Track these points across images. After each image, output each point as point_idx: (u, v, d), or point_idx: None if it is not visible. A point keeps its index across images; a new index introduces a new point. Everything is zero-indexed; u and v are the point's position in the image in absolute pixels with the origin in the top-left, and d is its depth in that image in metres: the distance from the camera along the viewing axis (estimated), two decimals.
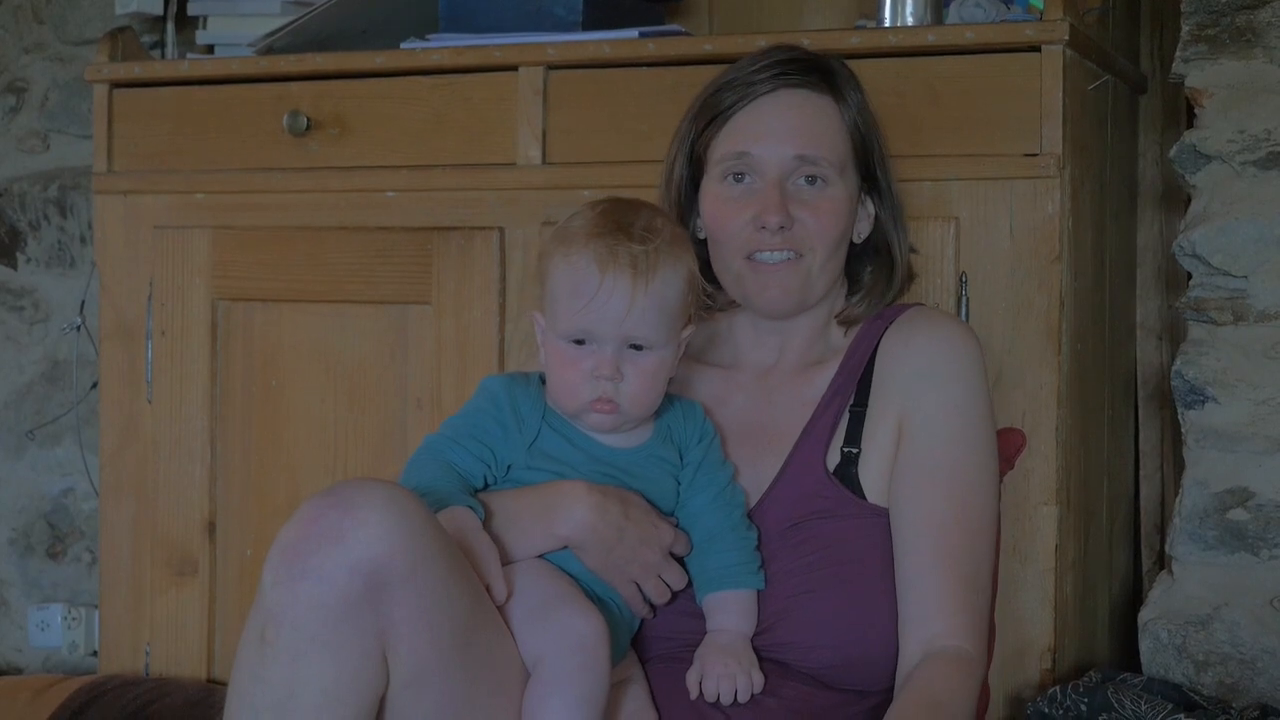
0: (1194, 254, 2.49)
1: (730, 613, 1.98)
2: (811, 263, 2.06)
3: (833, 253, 2.07)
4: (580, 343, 1.90)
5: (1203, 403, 2.49)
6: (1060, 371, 2.34)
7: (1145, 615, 2.52)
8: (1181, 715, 2.22)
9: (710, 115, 2.10)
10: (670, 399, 2.02)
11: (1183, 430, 2.52)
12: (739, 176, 2.07)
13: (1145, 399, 2.87)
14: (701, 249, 2.12)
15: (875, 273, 2.15)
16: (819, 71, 2.09)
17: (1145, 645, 2.51)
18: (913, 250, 2.18)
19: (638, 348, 1.90)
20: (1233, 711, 2.29)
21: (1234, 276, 2.47)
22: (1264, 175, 2.46)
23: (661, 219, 1.94)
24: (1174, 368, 2.51)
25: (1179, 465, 2.62)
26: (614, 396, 1.90)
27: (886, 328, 2.10)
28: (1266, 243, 2.45)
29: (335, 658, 1.68)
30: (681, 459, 2.01)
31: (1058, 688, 2.27)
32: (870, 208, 2.13)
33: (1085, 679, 2.31)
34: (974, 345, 2.08)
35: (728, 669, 1.92)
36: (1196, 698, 2.34)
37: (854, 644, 1.98)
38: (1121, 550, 2.79)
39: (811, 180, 2.05)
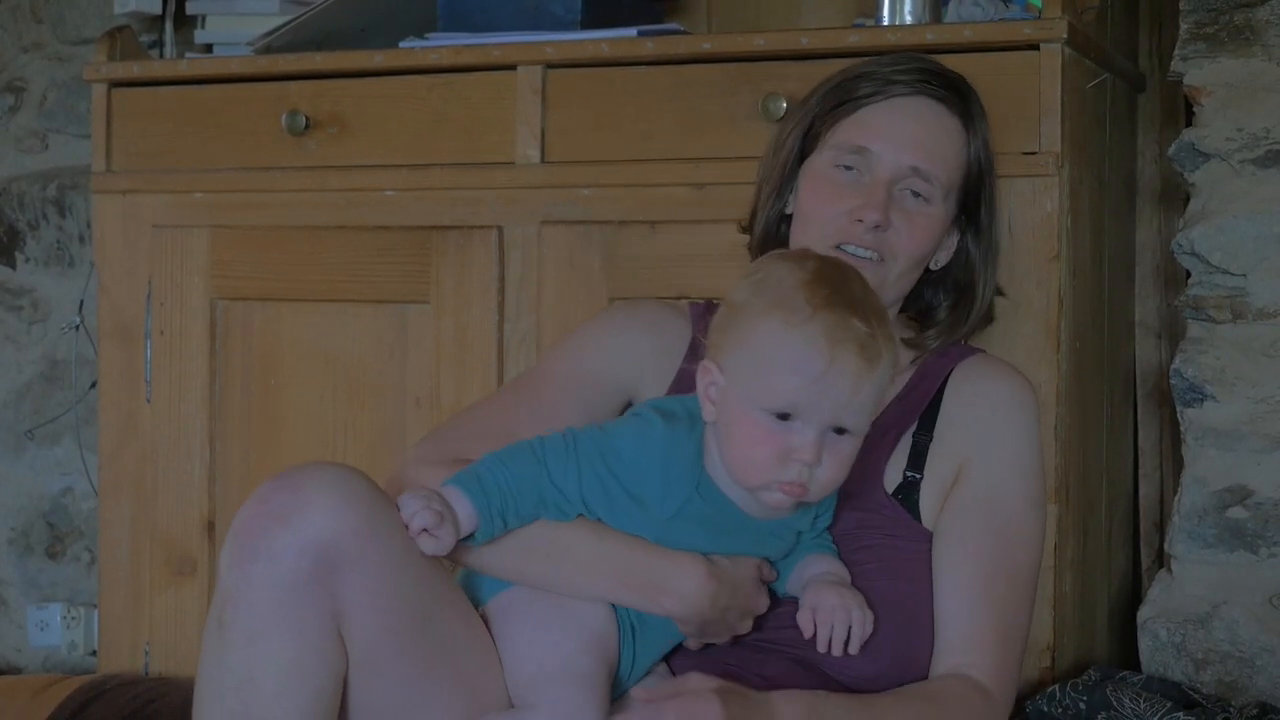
0: (1193, 252, 2.49)
1: (825, 562, 1.92)
2: (891, 269, 2.03)
3: (912, 267, 2.06)
4: (783, 418, 1.73)
5: (1202, 401, 2.49)
6: (1059, 370, 2.34)
7: (1144, 613, 2.53)
8: (1181, 714, 2.22)
9: (841, 98, 2.08)
10: None
11: (1182, 428, 2.52)
12: (849, 168, 2.05)
13: (1144, 397, 2.87)
14: (783, 226, 2.13)
15: (954, 308, 2.14)
16: (958, 92, 2.10)
17: (1144, 643, 2.51)
18: (1000, 293, 2.19)
19: (840, 431, 1.74)
20: (1232, 710, 2.29)
21: (1233, 274, 2.47)
22: (1263, 173, 2.46)
23: (873, 293, 1.81)
24: (1173, 366, 2.52)
25: (1178, 463, 2.62)
26: (807, 481, 1.75)
27: (952, 368, 2.09)
28: (1265, 240, 2.45)
29: (291, 637, 1.71)
30: (813, 524, 1.92)
31: (1057, 686, 2.27)
32: (954, 240, 2.12)
33: (1084, 677, 2.31)
34: (1034, 402, 2.08)
35: (843, 600, 1.85)
36: (1195, 696, 2.34)
37: (897, 666, 1.94)
38: (1120, 548, 2.79)
39: (916, 195, 2.04)
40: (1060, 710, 2.25)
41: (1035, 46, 2.34)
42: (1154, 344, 2.88)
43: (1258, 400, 2.47)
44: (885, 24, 2.47)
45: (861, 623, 1.85)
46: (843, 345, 1.70)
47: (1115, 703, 2.23)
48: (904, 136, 2.04)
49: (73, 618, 3.44)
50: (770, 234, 2.15)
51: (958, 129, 2.08)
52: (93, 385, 3.23)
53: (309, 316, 2.74)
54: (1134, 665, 2.53)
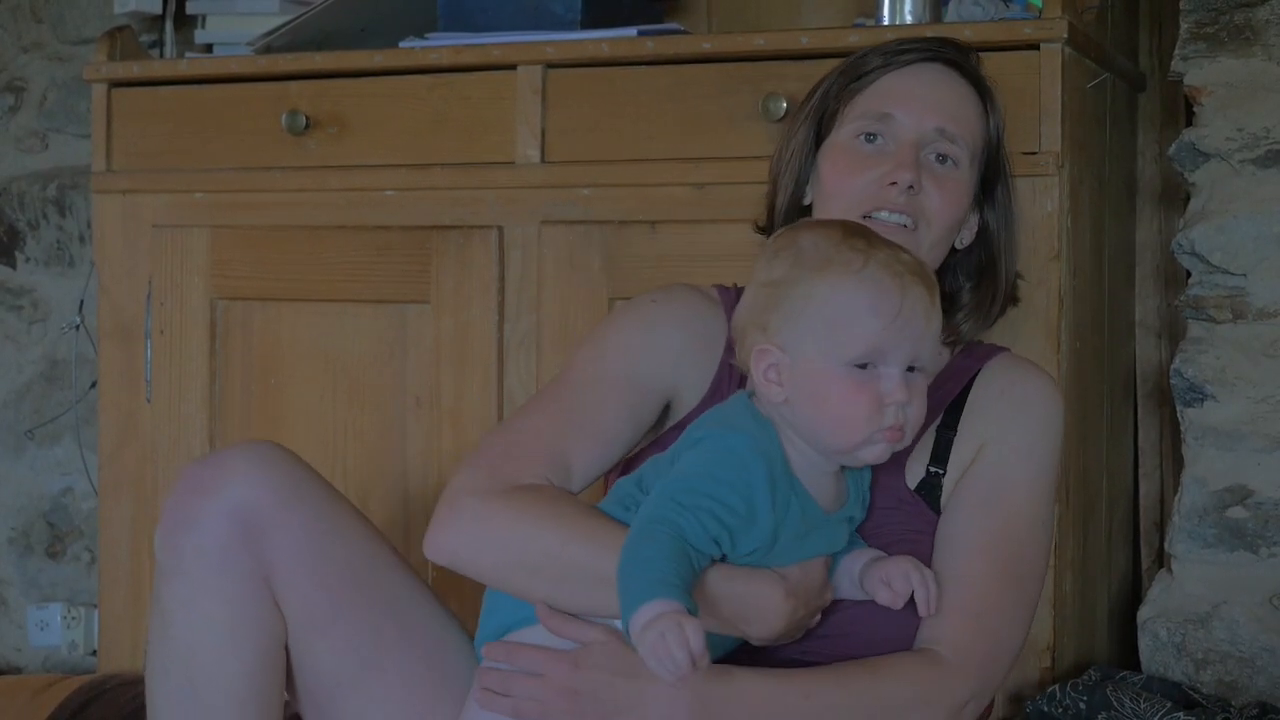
0: (1193, 252, 2.49)
1: (864, 554, 1.86)
2: (924, 237, 1.96)
3: (944, 236, 1.99)
4: (863, 368, 1.70)
5: (1202, 400, 2.49)
6: (1059, 369, 2.34)
7: (1144, 613, 2.53)
8: (1181, 714, 2.22)
9: (855, 74, 2.02)
10: None
11: (1182, 428, 2.52)
12: (871, 137, 1.98)
13: (1144, 397, 2.87)
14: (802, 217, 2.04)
15: (978, 291, 2.07)
16: (971, 66, 2.05)
17: (1144, 643, 2.51)
18: (1019, 277, 2.12)
19: (911, 369, 1.72)
20: (1232, 710, 2.29)
21: (1233, 274, 2.47)
22: (1263, 173, 2.46)
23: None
24: (1173, 365, 2.52)
25: (1178, 463, 2.62)
26: (904, 422, 1.72)
27: (980, 367, 2.02)
28: (1265, 240, 2.45)
29: (226, 602, 1.81)
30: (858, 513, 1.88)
31: (1057, 686, 2.27)
32: (975, 220, 2.06)
33: (1085, 677, 2.31)
34: (1061, 404, 2.02)
35: (908, 563, 1.81)
36: (1196, 696, 2.34)
37: None
38: (1120, 548, 2.79)
39: (942, 160, 1.97)
40: (1061, 710, 2.25)
41: (1035, 46, 2.34)
42: (1154, 344, 2.88)
43: (1258, 400, 2.47)
44: (885, 24, 2.47)
45: (933, 579, 1.82)
46: (907, 279, 1.70)
47: (1116, 703, 2.23)
48: (926, 100, 1.99)
49: (73, 617, 3.44)
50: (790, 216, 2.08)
51: (975, 96, 2.03)
52: (93, 385, 3.23)
53: (309, 316, 2.74)
54: (1134, 665, 2.53)
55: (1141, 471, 2.88)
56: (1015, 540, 1.90)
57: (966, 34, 2.36)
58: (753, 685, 1.74)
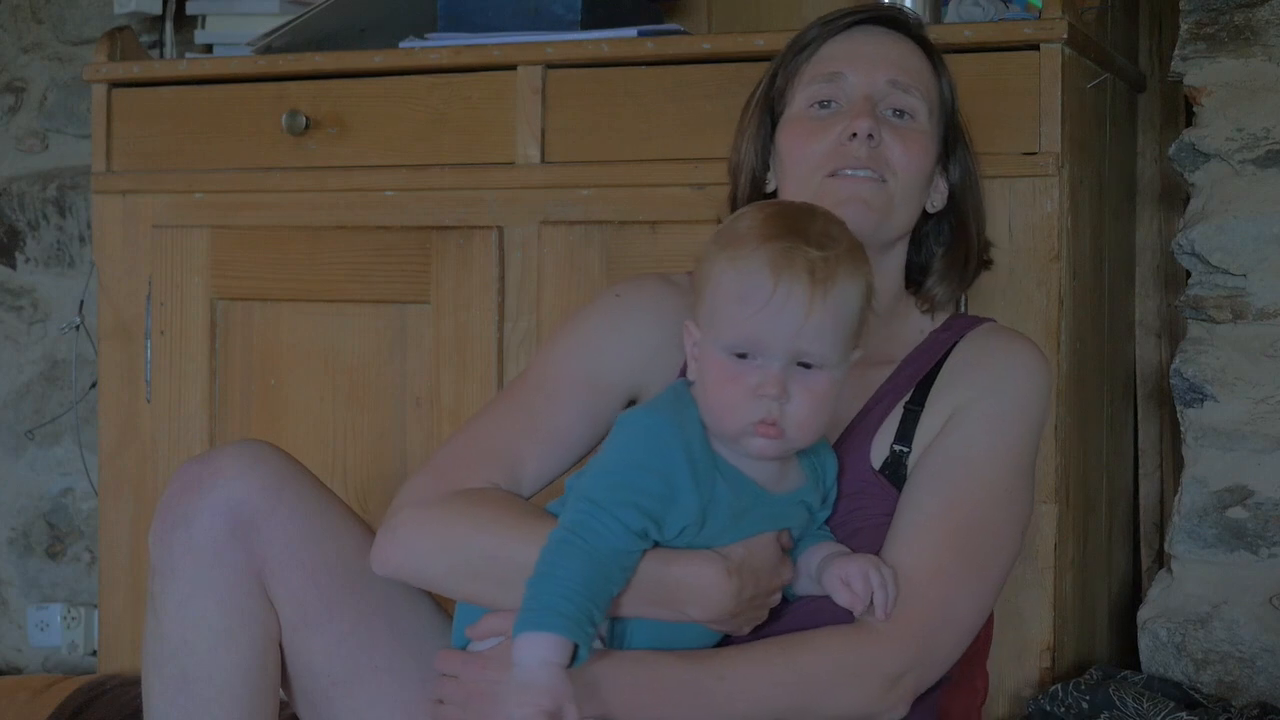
0: (1193, 252, 2.49)
1: (827, 547, 1.81)
2: (895, 189, 1.90)
3: (914, 190, 1.93)
4: (743, 356, 1.67)
5: (1202, 401, 2.49)
6: (1059, 370, 2.34)
7: (1144, 614, 2.53)
8: (1184, 714, 2.22)
9: (799, 47, 1.99)
10: None
11: (1182, 428, 2.52)
12: (825, 104, 1.93)
13: (1144, 397, 2.87)
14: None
15: (949, 254, 2.01)
16: (913, 27, 2.01)
17: (1144, 643, 2.51)
18: (990, 244, 2.07)
19: (806, 366, 1.67)
20: (1233, 710, 2.29)
21: (1233, 275, 2.47)
22: (1263, 173, 2.46)
23: (838, 226, 1.72)
24: (1173, 366, 2.52)
25: (1178, 463, 2.62)
26: (779, 419, 1.66)
27: (957, 340, 1.96)
28: (1265, 241, 2.45)
29: (218, 598, 1.82)
30: (823, 501, 1.83)
31: (1059, 685, 2.27)
32: (944, 185, 2.00)
33: (1087, 676, 2.31)
34: (1045, 374, 1.94)
35: (868, 563, 1.75)
36: (1196, 696, 2.34)
37: None
38: (1121, 548, 2.79)
39: (900, 114, 1.92)
40: (1063, 710, 2.25)
41: (1035, 47, 2.34)
42: (1154, 344, 2.88)
43: (1258, 400, 2.47)
44: None
45: (892, 578, 1.75)
46: (788, 270, 1.64)
47: (1118, 702, 2.23)
48: (873, 56, 1.94)
49: (73, 618, 3.44)
50: None
51: (921, 54, 1.98)
52: (93, 385, 3.23)
53: (309, 316, 2.74)
54: (1134, 665, 2.53)
55: (1141, 472, 2.88)
56: (974, 509, 1.83)
57: (966, 34, 2.37)
58: (664, 668, 1.71)
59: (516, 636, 1.61)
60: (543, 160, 2.59)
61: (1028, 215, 2.34)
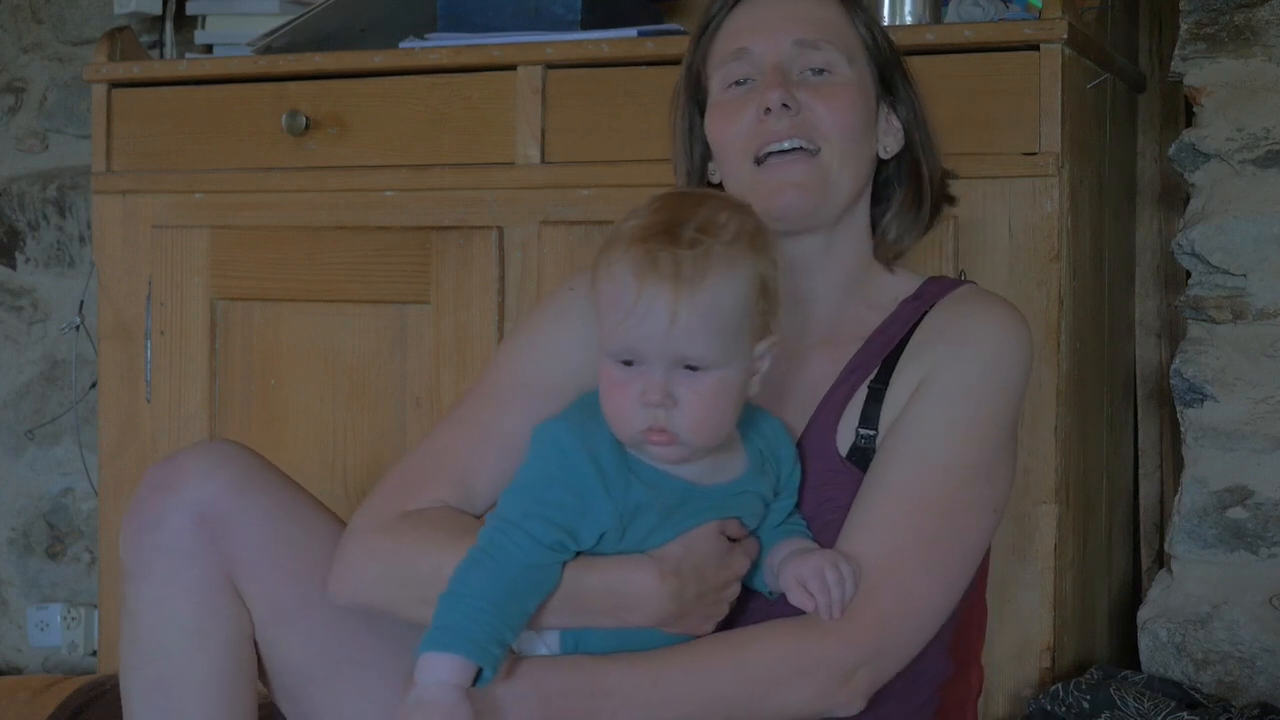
0: (1193, 252, 2.49)
1: (792, 543, 1.73)
2: (829, 157, 1.80)
3: (852, 148, 1.82)
4: (629, 363, 1.61)
5: (1202, 401, 2.49)
6: (1059, 370, 2.34)
7: (1144, 614, 2.53)
8: (1184, 714, 2.22)
9: (703, 26, 1.89)
10: (749, 411, 1.72)
11: (1182, 429, 2.52)
12: (741, 82, 1.84)
13: (1144, 397, 2.87)
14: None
15: (905, 192, 1.89)
16: None
17: (1144, 643, 2.51)
18: (950, 175, 1.94)
19: (693, 367, 1.60)
20: (1233, 710, 2.29)
21: (1233, 275, 2.47)
22: (1263, 173, 2.46)
23: (729, 213, 1.63)
24: (1173, 366, 2.52)
25: (1178, 463, 2.62)
26: (667, 425, 1.60)
27: (929, 309, 1.84)
28: (1265, 241, 2.45)
29: (191, 599, 1.81)
30: (776, 486, 1.74)
31: (1060, 685, 2.27)
32: (896, 123, 1.89)
33: (1087, 676, 2.32)
34: (1017, 339, 1.81)
35: (825, 561, 1.66)
36: (1197, 696, 2.34)
37: None
38: (1121, 549, 2.79)
39: (818, 72, 1.82)
40: (1064, 709, 2.25)
41: (1035, 47, 2.34)
42: (1154, 344, 2.88)
43: (1258, 400, 2.47)
44: (885, 24, 2.47)
45: (851, 576, 1.66)
46: (651, 274, 1.57)
47: (1119, 702, 2.23)
48: (774, 20, 1.84)
49: (73, 618, 3.44)
50: None
51: (830, 2, 1.87)
52: (93, 385, 3.23)
53: (309, 317, 2.74)
54: (1134, 665, 2.53)
55: (1141, 472, 2.88)
56: (934, 490, 1.72)
57: (966, 34, 2.37)
58: (600, 674, 1.67)
59: (419, 656, 1.58)
60: (543, 160, 2.59)
61: (1028, 215, 2.34)
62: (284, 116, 2.72)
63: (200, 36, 3.10)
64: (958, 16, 2.50)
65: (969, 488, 1.74)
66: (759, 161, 1.81)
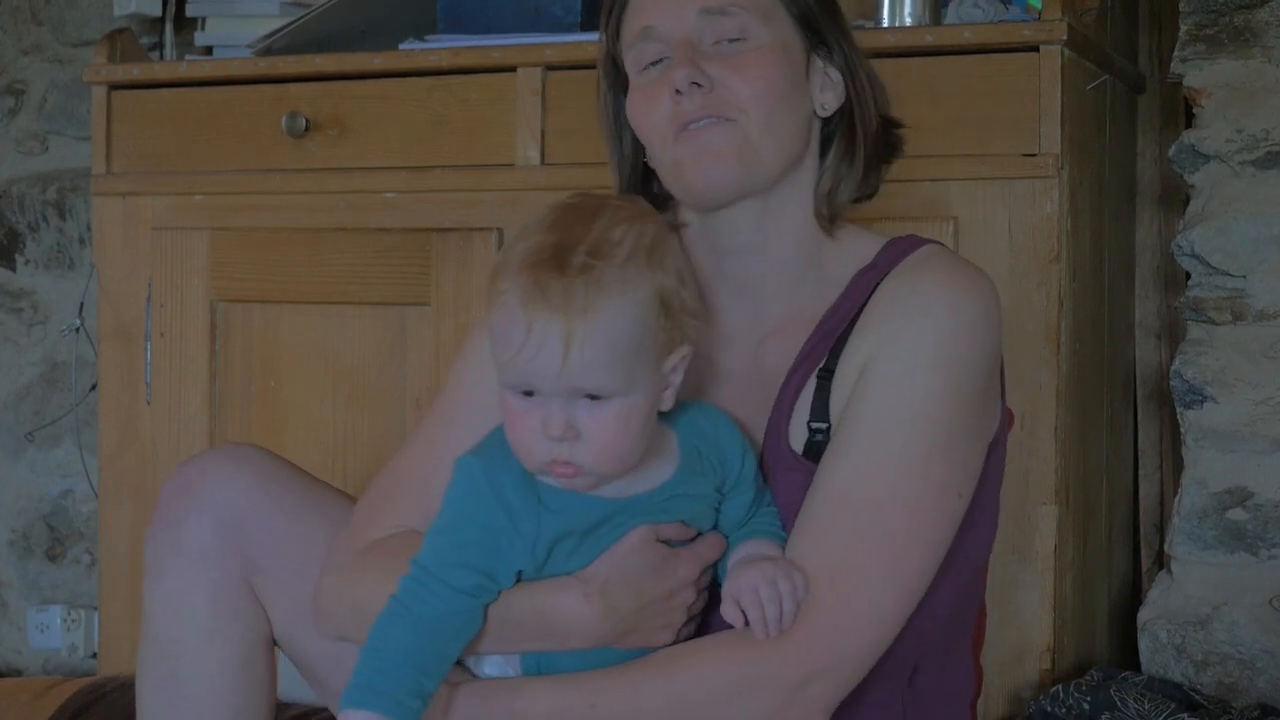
0: (1193, 253, 2.49)
1: (749, 547, 1.64)
2: (748, 125, 1.68)
3: (776, 114, 1.69)
4: (529, 393, 1.54)
5: (1201, 402, 2.49)
6: (1059, 371, 2.34)
7: (1144, 615, 2.53)
8: (1185, 715, 2.22)
9: (610, 4, 1.78)
10: (683, 407, 1.64)
11: (1182, 430, 2.52)
12: (652, 64, 1.72)
13: (1144, 398, 2.87)
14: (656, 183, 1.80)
15: (840, 142, 1.76)
16: None
17: (1144, 645, 2.51)
18: (896, 124, 1.80)
19: (594, 396, 1.52)
20: (1233, 712, 2.29)
21: (1232, 276, 2.47)
22: (1262, 175, 2.46)
23: (623, 228, 1.55)
24: (1173, 367, 2.52)
25: (1178, 465, 2.62)
26: (571, 458, 1.53)
27: (885, 276, 1.72)
28: (1265, 242, 2.45)
29: (207, 598, 1.83)
30: (723, 482, 1.65)
31: (1060, 686, 2.27)
32: (835, 76, 1.75)
33: (1087, 677, 2.32)
34: (974, 307, 1.68)
35: (764, 575, 1.56)
36: (1197, 698, 2.34)
37: None
38: (1120, 550, 2.79)
39: (733, 41, 1.69)
40: (1064, 710, 2.25)
41: (1035, 48, 2.34)
42: (1154, 345, 2.88)
43: (1258, 402, 2.47)
44: (885, 25, 2.47)
45: (792, 592, 1.56)
46: (540, 306, 1.49)
47: (1119, 703, 2.23)
48: None
49: (73, 620, 3.43)
50: (636, 193, 1.82)
51: None
52: (93, 387, 3.23)
53: (309, 319, 2.74)
54: (1134, 666, 2.53)
55: (1141, 473, 2.88)
56: (883, 485, 1.60)
57: (966, 36, 2.37)
58: (537, 698, 1.62)
59: (340, 712, 1.55)
60: (542, 162, 2.59)
61: (1027, 216, 2.34)
62: (284, 118, 2.72)
63: (200, 38, 3.10)
64: (957, 18, 2.50)
65: (925, 476, 1.62)
66: (677, 138, 1.70)
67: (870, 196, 1.80)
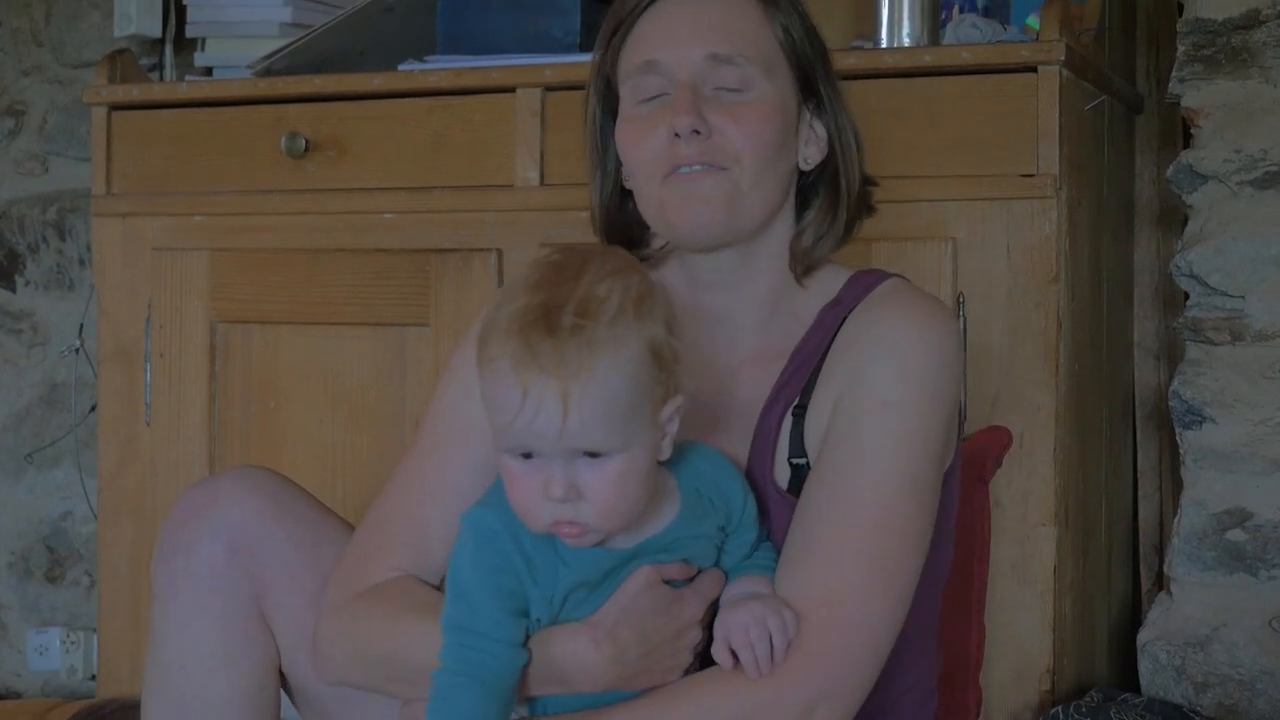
0: (1191, 274, 2.49)
1: (741, 584, 1.66)
2: (739, 176, 1.71)
3: (766, 167, 1.73)
4: (528, 455, 1.53)
5: (1200, 423, 2.49)
6: (1058, 392, 2.34)
7: (1144, 636, 2.52)
8: None
9: (614, 26, 1.80)
10: (679, 449, 1.63)
11: (1181, 450, 2.52)
12: (650, 98, 1.76)
13: (1143, 419, 2.87)
14: (631, 205, 1.85)
15: (823, 200, 1.80)
16: None
17: (1144, 666, 2.51)
18: (872, 183, 1.84)
19: (595, 454, 1.52)
20: None
21: (1231, 296, 2.47)
22: (1260, 195, 2.47)
23: (609, 282, 1.54)
24: (1171, 388, 2.52)
25: (1177, 485, 2.61)
26: (575, 518, 1.53)
27: (850, 311, 1.76)
28: (1263, 262, 2.45)
29: (217, 623, 1.82)
30: (726, 522, 1.66)
31: (1059, 707, 2.27)
32: (821, 131, 1.79)
33: (1087, 699, 2.31)
34: (939, 337, 1.72)
35: (752, 615, 1.58)
36: (1197, 718, 2.34)
37: None
38: (1120, 571, 2.79)
39: (731, 89, 1.73)
40: None
41: (1033, 69, 2.34)
42: (1153, 365, 2.88)
43: (1256, 422, 2.47)
44: (883, 46, 2.47)
45: (781, 629, 1.58)
46: (533, 370, 1.49)
47: None
48: (686, 31, 1.74)
49: (72, 642, 3.43)
50: (613, 219, 1.89)
51: (747, 3, 1.76)
52: (92, 408, 3.22)
53: (308, 339, 2.74)
54: (1134, 688, 2.53)
55: (1140, 494, 2.88)
56: (878, 509, 1.64)
57: (964, 57, 2.37)
58: None
59: None
60: (542, 182, 2.59)
61: (1026, 237, 2.34)
62: (283, 139, 2.72)
63: (200, 59, 3.10)
64: (956, 39, 2.50)
65: (910, 501, 1.67)
66: (666, 178, 1.73)
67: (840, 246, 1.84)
